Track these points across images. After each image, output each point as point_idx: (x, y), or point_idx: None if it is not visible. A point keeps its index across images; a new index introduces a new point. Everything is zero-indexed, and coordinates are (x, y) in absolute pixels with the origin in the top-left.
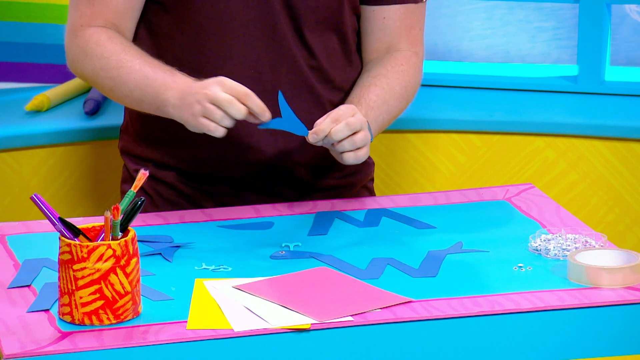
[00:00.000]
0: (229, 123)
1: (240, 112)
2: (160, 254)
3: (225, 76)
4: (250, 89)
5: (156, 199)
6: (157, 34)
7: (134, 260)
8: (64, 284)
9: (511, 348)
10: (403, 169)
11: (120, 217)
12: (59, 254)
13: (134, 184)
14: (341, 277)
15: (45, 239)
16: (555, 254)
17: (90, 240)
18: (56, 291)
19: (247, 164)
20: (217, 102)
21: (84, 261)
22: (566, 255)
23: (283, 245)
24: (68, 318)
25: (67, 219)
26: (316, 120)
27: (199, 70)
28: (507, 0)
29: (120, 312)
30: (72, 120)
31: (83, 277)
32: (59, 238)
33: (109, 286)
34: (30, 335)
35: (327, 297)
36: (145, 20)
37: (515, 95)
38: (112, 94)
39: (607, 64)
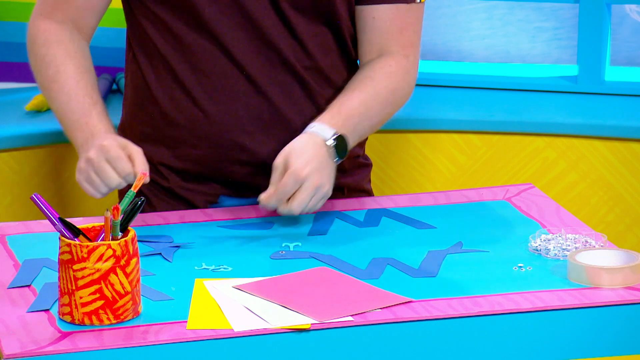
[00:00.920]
0: (105, 191)
1: (124, 169)
2: (160, 254)
3: (216, 73)
4: (243, 88)
5: (154, 199)
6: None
7: (134, 260)
8: (64, 284)
9: (511, 348)
10: (403, 169)
11: (120, 217)
12: (59, 254)
13: (133, 184)
14: (341, 277)
15: (45, 239)
16: (555, 254)
17: (90, 240)
18: (56, 291)
19: (246, 164)
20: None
21: (84, 261)
22: (566, 255)
23: (283, 245)
24: (68, 318)
25: (67, 219)
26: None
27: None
28: (507, 0)
29: (120, 312)
30: None
31: (83, 277)
32: (59, 238)
33: (109, 286)
34: (30, 335)
35: (327, 297)
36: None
37: (515, 95)
38: (45, 97)
39: (607, 64)
